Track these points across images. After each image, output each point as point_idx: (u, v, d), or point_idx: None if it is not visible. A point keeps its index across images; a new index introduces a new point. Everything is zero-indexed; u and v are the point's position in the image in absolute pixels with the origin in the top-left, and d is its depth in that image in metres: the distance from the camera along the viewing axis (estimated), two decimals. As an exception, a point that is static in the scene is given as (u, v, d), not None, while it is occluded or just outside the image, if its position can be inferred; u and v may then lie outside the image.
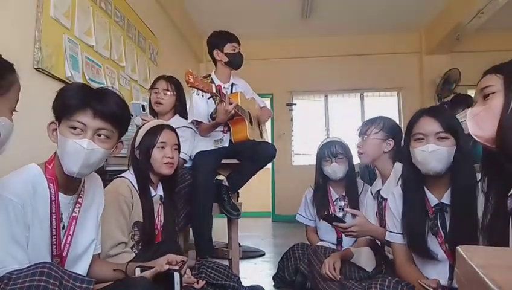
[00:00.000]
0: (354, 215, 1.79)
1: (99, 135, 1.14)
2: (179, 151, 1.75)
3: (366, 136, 1.91)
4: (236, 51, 2.49)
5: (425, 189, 1.46)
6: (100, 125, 1.14)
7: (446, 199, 1.42)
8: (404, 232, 1.48)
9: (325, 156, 2.24)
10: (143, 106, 2.19)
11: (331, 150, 2.23)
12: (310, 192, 2.41)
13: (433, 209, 1.43)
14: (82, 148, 1.10)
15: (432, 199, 1.44)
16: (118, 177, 1.64)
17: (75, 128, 1.11)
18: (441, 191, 1.43)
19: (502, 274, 0.50)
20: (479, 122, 0.98)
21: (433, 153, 1.35)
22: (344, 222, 1.71)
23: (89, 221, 1.27)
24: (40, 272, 0.93)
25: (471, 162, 1.40)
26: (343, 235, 2.12)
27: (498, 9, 4.43)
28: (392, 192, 1.59)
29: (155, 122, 1.78)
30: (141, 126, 1.76)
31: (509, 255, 0.64)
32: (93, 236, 1.27)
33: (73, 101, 1.12)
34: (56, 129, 1.14)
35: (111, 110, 1.15)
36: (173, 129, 1.76)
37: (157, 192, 1.69)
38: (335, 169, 2.21)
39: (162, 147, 1.66)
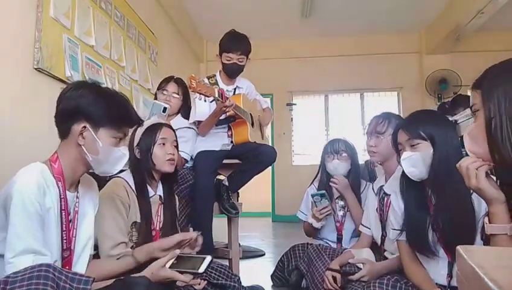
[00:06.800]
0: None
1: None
2: (178, 149, 1.74)
3: (382, 136, 1.89)
4: (232, 61, 2.37)
5: (427, 188, 1.46)
6: (128, 132, 1.28)
7: None
8: (405, 228, 1.48)
9: (328, 153, 2.28)
10: (164, 108, 2.14)
11: (333, 147, 2.27)
12: (312, 189, 2.40)
13: (434, 206, 1.43)
14: (125, 155, 1.25)
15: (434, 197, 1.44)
16: (114, 177, 1.62)
17: (120, 138, 1.23)
18: None
19: (502, 274, 0.50)
20: (473, 139, 0.99)
21: (406, 160, 1.40)
22: (353, 274, 1.72)
23: (87, 218, 1.29)
24: (37, 276, 0.92)
25: (452, 162, 1.35)
26: (343, 234, 2.23)
27: (498, 9, 4.43)
28: (394, 190, 1.59)
29: (152, 121, 1.77)
30: (137, 126, 1.75)
31: (509, 255, 0.65)
32: (90, 233, 1.29)
33: (133, 119, 1.26)
34: (83, 132, 1.18)
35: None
36: (171, 127, 1.75)
37: (157, 192, 1.67)
38: (336, 166, 2.23)
39: (163, 144, 1.65)
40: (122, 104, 1.24)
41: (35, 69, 2.06)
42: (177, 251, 1.35)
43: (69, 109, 1.17)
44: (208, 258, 1.31)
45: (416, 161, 1.38)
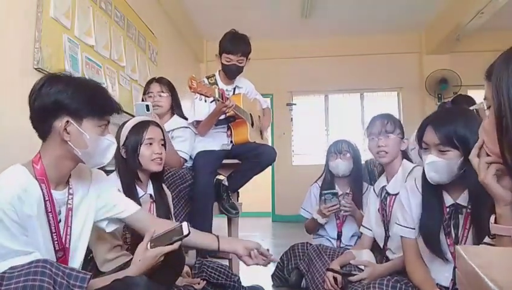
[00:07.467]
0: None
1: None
2: (165, 147, 1.71)
3: (392, 135, 1.88)
4: (231, 62, 2.37)
5: (442, 189, 1.43)
6: (110, 119, 1.24)
7: (461, 200, 1.39)
8: (420, 229, 1.46)
9: (331, 152, 2.34)
10: (147, 106, 2.15)
11: (337, 146, 2.33)
12: (316, 188, 2.45)
13: (448, 209, 1.41)
14: (113, 143, 1.23)
15: (448, 199, 1.42)
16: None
17: (103, 126, 1.20)
18: (458, 192, 1.40)
19: (502, 274, 0.50)
20: (488, 135, 0.92)
21: (430, 164, 1.33)
22: (353, 275, 1.73)
23: (82, 208, 1.25)
24: (34, 272, 0.91)
25: None
26: (343, 231, 2.30)
27: (498, 9, 4.44)
28: (406, 187, 1.56)
29: (139, 118, 1.73)
30: (123, 124, 1.68)
31: (509, 256, 0.64)
32: (84, 221, 1.26)
33: (114, 104, 1.22)
34: (67, 127, 1.12)
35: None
36: (158, 125, 1.72)
37: (147, 191, 1.65)
38: (338, 165, 2.29)
39: (150, 144, 1.62)
40: (100, 91, 1.21)
41: (35, 69, 2.06)
42: (152, 230, 1.28)
43: (47, 106, 1.11)
44: (185, 223, 1.26)
45: (440, 168, 1.32)
